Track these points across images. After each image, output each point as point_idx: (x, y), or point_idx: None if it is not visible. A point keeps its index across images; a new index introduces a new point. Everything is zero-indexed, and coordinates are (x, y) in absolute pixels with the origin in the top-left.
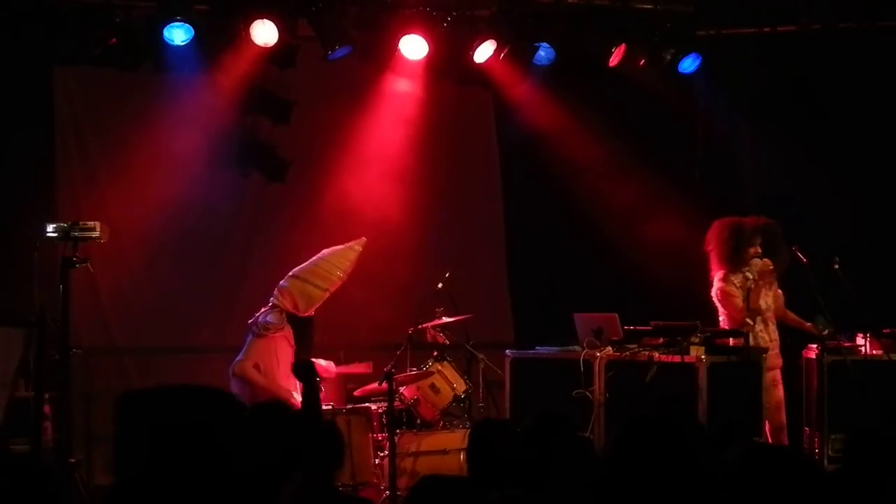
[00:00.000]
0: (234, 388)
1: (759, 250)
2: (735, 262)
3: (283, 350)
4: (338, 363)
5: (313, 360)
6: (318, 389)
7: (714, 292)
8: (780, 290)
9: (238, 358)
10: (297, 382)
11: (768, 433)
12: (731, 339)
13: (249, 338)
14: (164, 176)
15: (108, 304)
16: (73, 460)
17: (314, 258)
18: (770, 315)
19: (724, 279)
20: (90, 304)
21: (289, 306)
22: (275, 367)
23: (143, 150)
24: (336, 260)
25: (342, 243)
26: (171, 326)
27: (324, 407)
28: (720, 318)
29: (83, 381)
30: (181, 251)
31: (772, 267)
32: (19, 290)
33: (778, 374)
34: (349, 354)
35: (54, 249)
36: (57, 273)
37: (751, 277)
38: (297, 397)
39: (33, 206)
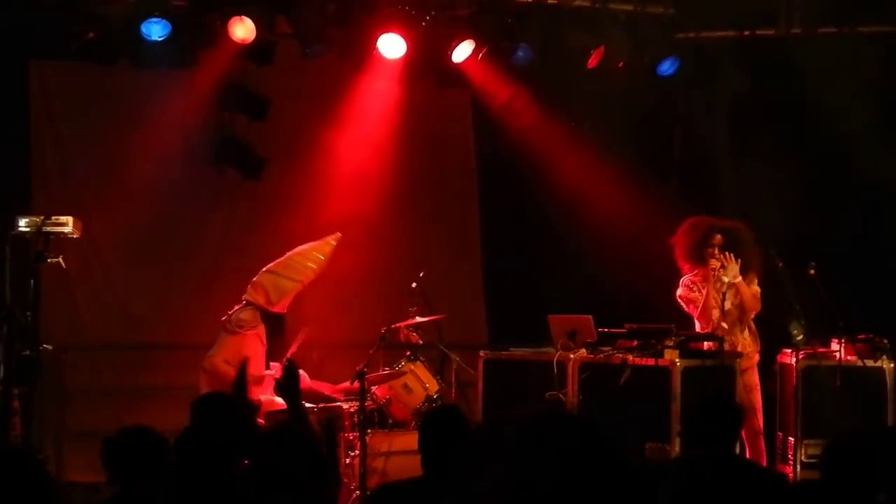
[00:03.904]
0: (204, 383)
1: (716, 252)
2: (692, 260)
3: (254, 348)
4: (312, 363)
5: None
6: (300, 394)
7: (678, 294)
8: (754, 288)
9: (209, 353)
10: (266, 382)
11: (744, 437)
12: (705, 343)
13: (222, 334)
14: (140, 171)
15: (81, 299)
16: (41, 456)
17: (289, 253)
18: (736, 317)
19: (683, 283)
20: (63, 300)
21: (261, 301)
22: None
23: (119, 146)
24: (309, 254)
25: (317, 240)
26: (144, 323)
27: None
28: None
29: (55, 376)
30: (156, 247)
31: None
32: None
33: (755, 378)
34: (321, 353)
35: (27, 244)
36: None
37: (726, 281)
38: (265, 395)
39: (7, 200)
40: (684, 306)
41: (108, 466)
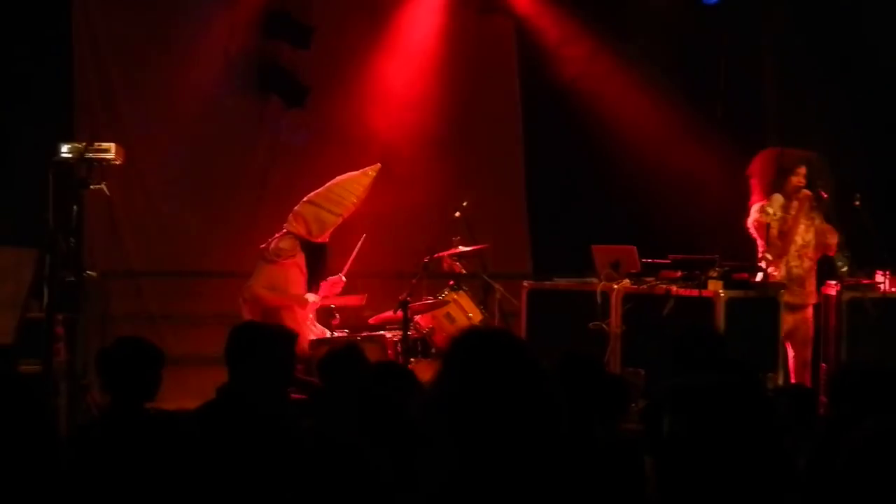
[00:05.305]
0: (246, 311)
1: (803, 181)
2: (773, 189)
3: (294, 277)
4: (352, 292)
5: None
6: None
7: (748, 222)
8: (827, 226)
9: (249, 283)
10: (312, 307)
11: (792, 368)
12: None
13: (260, 263)
14: (183, 98)
15: (124, 226)
16: (84, 382)
17: (328, 184)
18: (807, 250)
19: (760, 210)
20: (106, 227)
21: (302, 231)
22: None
23: (162, 73)
24: (350, 185)
25: (358, 170)
26: (187, 250)
27: (337, 334)
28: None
29: (99, 303)
30: (199, 174)
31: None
32: (35, 211)
33: (810, 310)
34: (366, 283)
35: (70, 170)
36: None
37: (770, 212)
38: (313, 327)
39: (50, 126)
40: (755, 233)
41: (102, 375)
